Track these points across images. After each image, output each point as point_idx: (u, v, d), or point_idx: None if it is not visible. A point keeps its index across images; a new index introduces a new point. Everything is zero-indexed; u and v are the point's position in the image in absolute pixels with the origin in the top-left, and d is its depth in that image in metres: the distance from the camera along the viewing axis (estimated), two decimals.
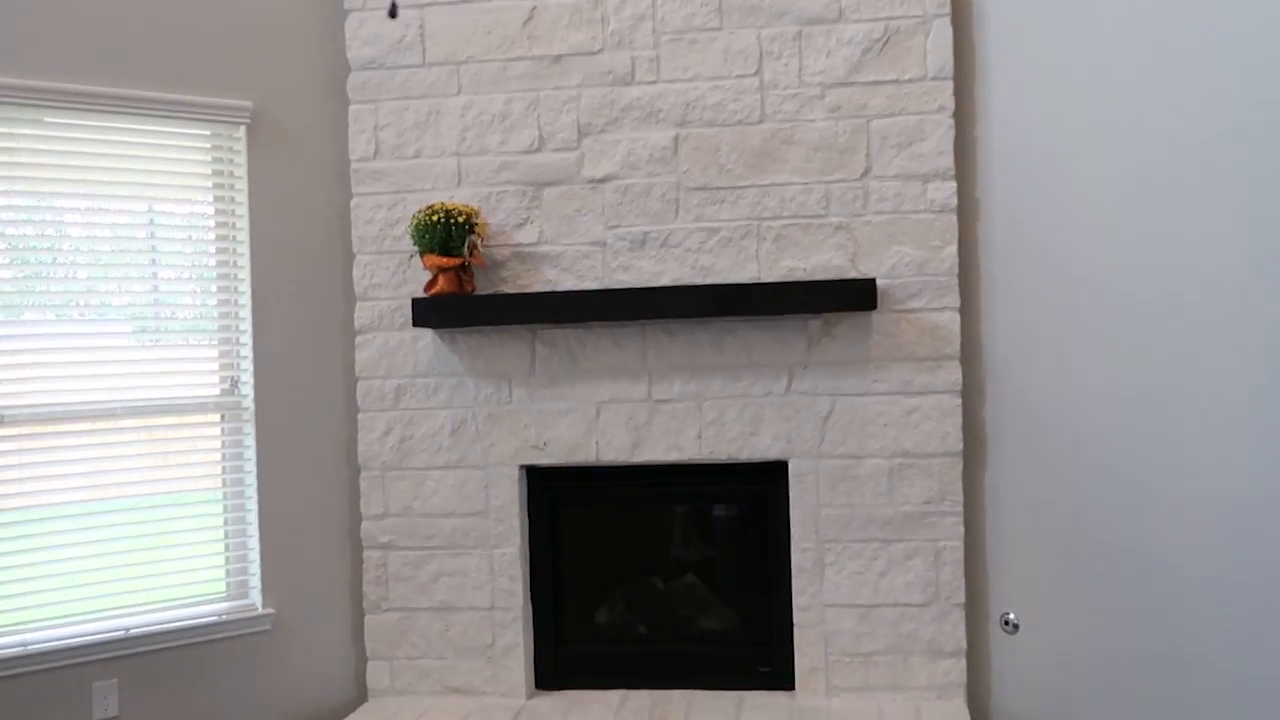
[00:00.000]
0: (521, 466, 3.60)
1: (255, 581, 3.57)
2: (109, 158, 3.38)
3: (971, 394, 3.41)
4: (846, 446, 3.41)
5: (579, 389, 3.54)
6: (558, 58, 3.51)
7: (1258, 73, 3.08)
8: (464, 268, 3.45)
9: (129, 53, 3.36)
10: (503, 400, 3.58)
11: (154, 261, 3.48)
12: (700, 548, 3.80)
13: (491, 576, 3.59)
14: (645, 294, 3.39)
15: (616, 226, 3.51)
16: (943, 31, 3.32)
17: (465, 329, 3.56)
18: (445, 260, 3.40)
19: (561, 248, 3.54)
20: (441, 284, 3.44)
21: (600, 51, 3.49)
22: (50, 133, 3.30)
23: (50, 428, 3.30)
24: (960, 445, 3.36)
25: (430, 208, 3.40)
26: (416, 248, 3.45)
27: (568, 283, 3.54)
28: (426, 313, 3.45)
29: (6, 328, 3.24)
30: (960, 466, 3.36)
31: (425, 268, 3.48)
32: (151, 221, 3.48)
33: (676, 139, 3.47)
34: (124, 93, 3.34)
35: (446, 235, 3.38)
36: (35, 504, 3.28)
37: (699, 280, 3.47)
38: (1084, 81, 3.25)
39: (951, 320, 3.35)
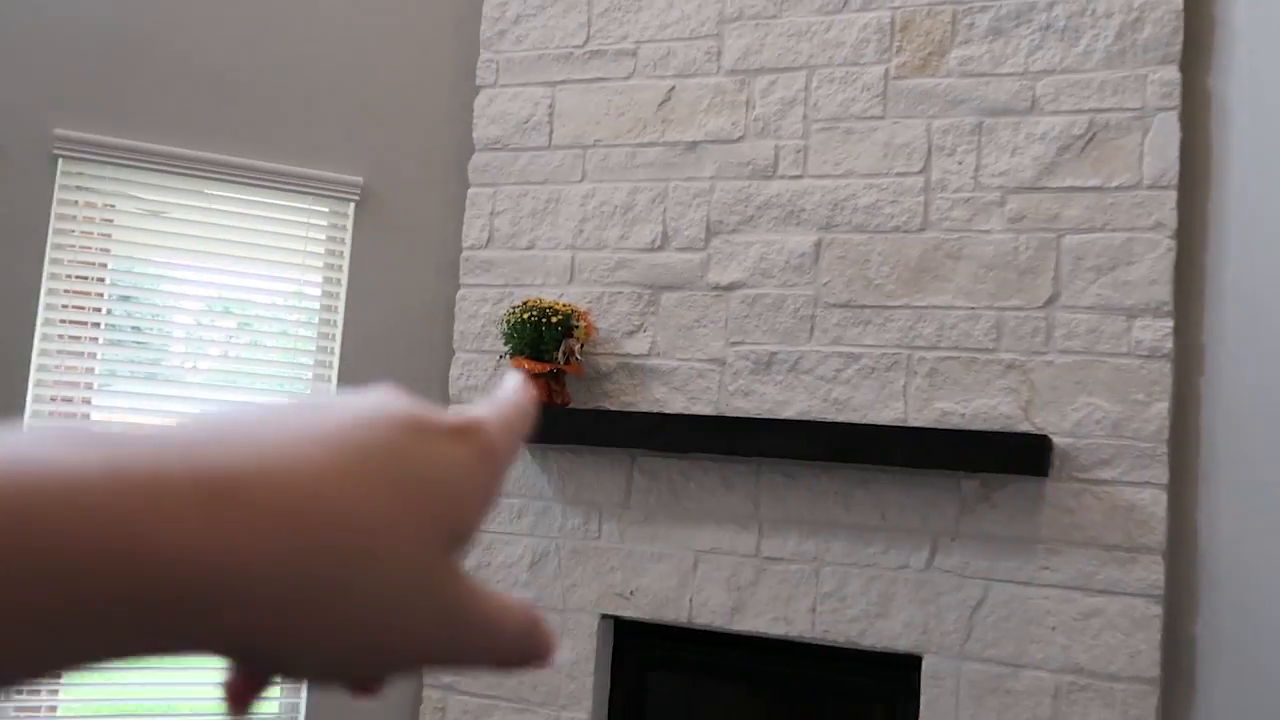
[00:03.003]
0: (603, 616, 3.03)
1: None
2: (214, 227, 3.19)
3: (1178, 601, 2.55)
4: (1000, 649, 2.62)
5: (677, 531, 2.95)
6: (693, 144, 3.04)
7: None
8: (555, 375, 2.98)
9: (241, 121, 3.18)
10: (590, 534, 3.04)
11: (231, 341, 3.24)
12: None
13: None
14: (763, 426, 2.79)
15: (739, 343, 2.94)
16: (1166, 128, 2.59)
17: (558, 447, 3.07)
18: (534, 365, 2.94)
19: (675, 362, 3.01)
20: None
21: (740, 139, 2.99)
22: (153, 196, 3.15)
23: None
24: (1157, 670, 2.49)
25: (524, 304, 2.97)
26: (506, 348, 3.02)
27: (677, 404, 2.99)
28: None
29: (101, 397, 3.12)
30: (1156, 698, 2.49)
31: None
32: (252, 300, 3.25)
33: (819, 244, 2.88)
34: (226, 159, 3.15)
35: (537, 337, 2.93)
36: None
37: (830, 415, 2.83)
38: None
39: (1155, 500, 2.53)
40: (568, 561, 3.06)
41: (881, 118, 2.85)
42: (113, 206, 3.14)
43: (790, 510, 2.84)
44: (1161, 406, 2.54)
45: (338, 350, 3.25)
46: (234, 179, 3.16)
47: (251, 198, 3.21)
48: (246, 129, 3.18)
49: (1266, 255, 2.51)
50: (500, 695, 3.09)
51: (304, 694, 3.17)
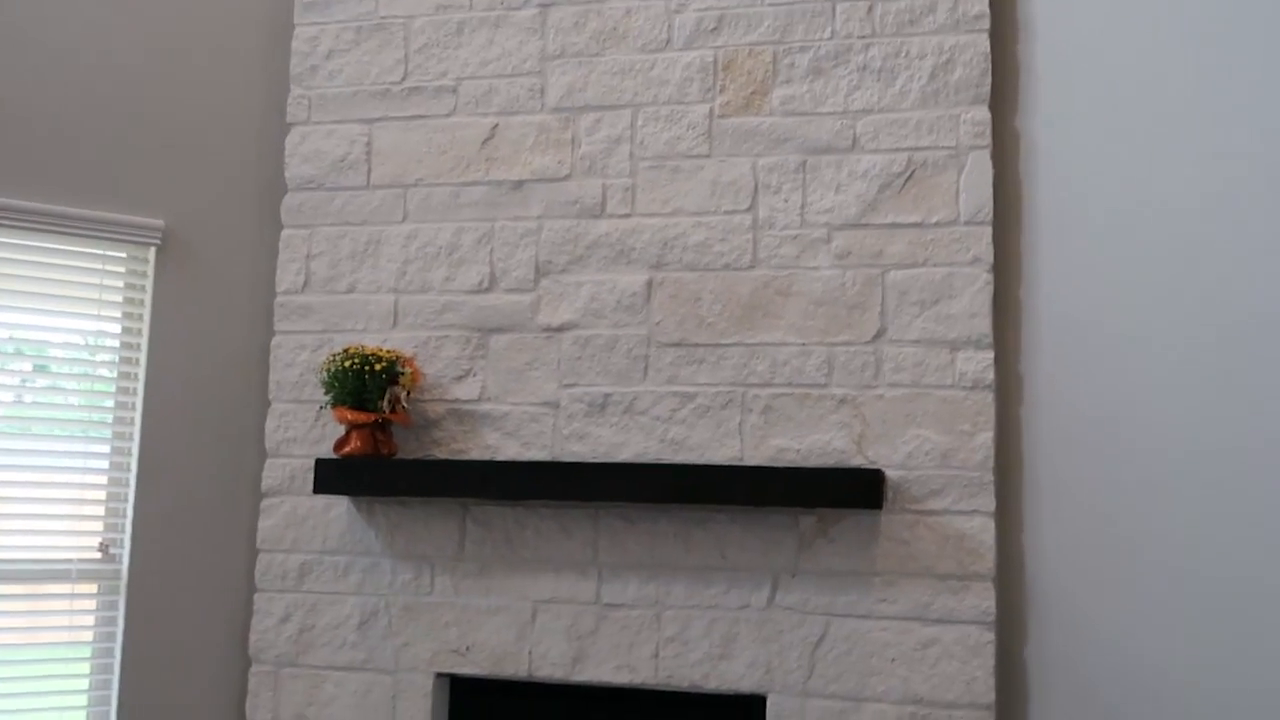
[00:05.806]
0: (439, 675, 2.89)
1: None
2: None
3: (1009, 626, 2.61)
4: (842, 684, 2.63)
5: (514, 582, 2.85)
6: (518, 183, 2.97)
7: None
8: (381, 425, 2.84)
9: (28, 162, 2.93)
10: (422, 590, 2.90)
11: (18, 399, 2.97)
12: None
13: None
14: (598, 470, 2.72)
15: (573, 385, 2.88)
16: (980, 166, 2.68)
17: (385, 499, 2.93)
18: (357, 415, 2.80)
19: (507, 407, 2.91)
20: (354, 443, 2.84)
21: (567, 178, 2.93)
22: None
23: None
24: (991, 695, 2.54)
25: (345, 351, 2.83)
26: (327, 398, 2.86)
27: (511, 450, 2.89)
28: (331, 476, 2.83)
29: None
30: None
31: (336, 422, 2.88)
32: (47, 341, 2.99)
33: (650, 283, 2.85)
34: (11, 204, 2.89)
35: (360, 385, 2.79)
36: None
37: (667, 457, 2.79)
38: (1160, 234, 2.56)
39: (983, 528, 2.59)
40: (399, 619, 2.91)
41: (708, 156, 2.85)
42: None
43: (630, 554, 2.78)
44: (986, 436, 2.61)
45: (139, 404, 3.01)
46: (20, 224, 2.90)
47: (40, 244, 2.95)
48: (35, 170, 2.93)
49: (1075, 286, 2.62)
50: None
51: (115, 687, 2.91)
